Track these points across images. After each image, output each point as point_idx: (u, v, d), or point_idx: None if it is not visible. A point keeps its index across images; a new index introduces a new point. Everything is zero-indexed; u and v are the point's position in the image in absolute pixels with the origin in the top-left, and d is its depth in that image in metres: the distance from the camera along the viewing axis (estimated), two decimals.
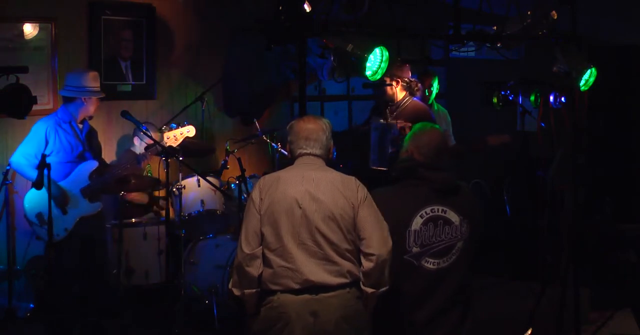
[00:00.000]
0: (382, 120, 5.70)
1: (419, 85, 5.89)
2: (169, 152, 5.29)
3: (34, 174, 5.04)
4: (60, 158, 5.13)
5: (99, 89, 5.28)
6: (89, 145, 5.29)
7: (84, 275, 5.24)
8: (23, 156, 5.11)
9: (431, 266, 3.74)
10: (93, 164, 5.23)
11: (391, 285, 3.60)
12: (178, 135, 5.45)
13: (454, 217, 3.77)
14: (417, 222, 3.72)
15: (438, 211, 3.76)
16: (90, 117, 5.33)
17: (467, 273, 3.88)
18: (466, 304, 3.88)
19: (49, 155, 5.08)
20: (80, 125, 5.26)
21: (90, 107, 5.23)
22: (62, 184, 5.12)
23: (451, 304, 3.79)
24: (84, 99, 5.16)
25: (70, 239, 5.11)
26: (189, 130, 5.48)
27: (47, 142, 5.11)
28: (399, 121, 5.53)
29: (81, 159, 5.21)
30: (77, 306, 5.22)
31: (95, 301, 5.36)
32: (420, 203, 3.74)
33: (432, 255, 3.73)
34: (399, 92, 5.69)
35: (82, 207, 5.16)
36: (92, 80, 5.20)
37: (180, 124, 5.50)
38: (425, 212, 3.74)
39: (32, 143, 5.13)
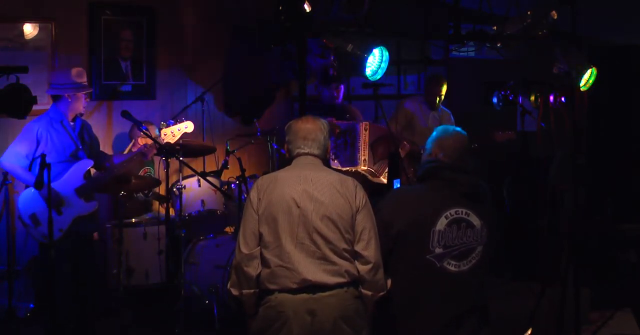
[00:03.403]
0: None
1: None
2: (167, 150, 5.27)
3: (25, 174, 5.04)
4: (52, 158, 5.07)
5: (84, 84, 5.19)
6: (82, 143, 5.26)
7: (81, 275, 5.22)
8: (14, 156, 5.09)
9: (452, 268, 3.72)
10: (88, 163, 5.19)
11: (404, 286, 3.61)
12: (176, 131, 5.36)
13: (475, 220, 3.76)
14: (442, 223, 3.70)
15: (462, 213, 3.75)
16: (81, 114, 5.27)
17: (485, 278, 3.87)
18: (484, 310, 3.87)
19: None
20: (72, 123, 5.23)
21: (77, 104, 5.16)
22: (54, 184, 5.08)
23: (470, 309, 3.77)
24: (68, 95, 5.13)
25: (66, 239, 5.09)
26: (187, 126, 5.39)
27: (38, 143, 5.07)
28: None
29: (74, 158, 5.17)
30: (75, 306, 5.20)
31: (94, 301, 5.35)
32: (445, 204, 3.73)
33: (454, 258, 3.72)
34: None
35: (77, 206, 5.13)
36: (75, 76, 5.15)
37: (178, 120, 5.46)
38: (450, 214, 3.73)
39: (23, 144, 5.09)
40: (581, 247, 5.63)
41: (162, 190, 6.39)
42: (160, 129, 5.38)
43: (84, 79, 5.20)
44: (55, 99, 5.19)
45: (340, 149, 5.75)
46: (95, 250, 5.59)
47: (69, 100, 5.13)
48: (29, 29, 6.11)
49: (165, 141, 5.34)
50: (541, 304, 5.29)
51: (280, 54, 7.00)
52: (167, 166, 5.29)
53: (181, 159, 5.51)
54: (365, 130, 5.71)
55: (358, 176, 5.70)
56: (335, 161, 5.69)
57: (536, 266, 6.41)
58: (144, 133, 5.33)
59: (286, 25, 4.35)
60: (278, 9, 4.36)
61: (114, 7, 6.58)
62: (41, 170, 4.71)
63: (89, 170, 5.21)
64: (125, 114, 5.25)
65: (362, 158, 5.73)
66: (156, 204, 6.58)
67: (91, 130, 5.43)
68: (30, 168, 5.09)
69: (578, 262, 5.44)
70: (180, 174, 6.04)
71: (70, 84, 5.12)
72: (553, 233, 6.47)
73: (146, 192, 6.36)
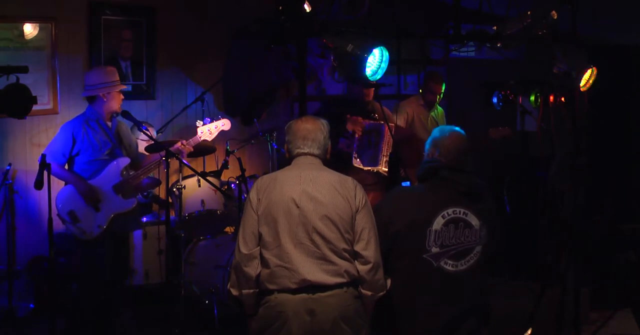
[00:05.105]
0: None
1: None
2: (167, 150, 5.27)
3: (62, 172, 5.11)
4: (89, 156, 5.16)
5: (116, 83, 5.24)
6: (119, 142, 5.30)
7: (111, 273, 5.23)
8: (51, 155, 5.13)
9: (450, 268, 3.73)
10: (125, 161, 5.24)
11: (402, 286, 3.61)
12: (212, 129, 5.47)
13: (474, 220, 3.76)
14: (438, 222, 3.71)
15: (459, 213, 3.75)
16: (117, 114, 5.31)
17: (484, 278, 3.87)
18: (484, 310, 3.87)
19: (78, 155, 5.14)
20: (109, 123, 5.27)
21: (113, 102, 5.22)
22: (92, 181, 5.13)
23: (469, 309, 3.77)
24: (103, 95, 5.18)
25: (105, 236, 5.12)
26: (224, 124, 5.51)
27: (74, 141, 5.12)
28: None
29: (112, 156, 5.22)
30: (96, 302, 5.21)
31: (118, 301, 5.38)
32: (442, 203, 3.74)
33: (451, 257, 3.72)
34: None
35: (115, 203, 5.17)
36: (107, 76, 5.20)
37: (214, 118, 5.50)
38: (447, 213, 3.73)
39: (59, 142, 5.16)
40: (581, 247, 5.63)
41: (162, 190, 6.40)
42: (196, 128, 5.42)
43: (115, 77, 5.26)
44: (91, 100, 5.24)
45: (364, 148, 5.75)
46: (128, 250, 5.62)
47: (104, 99, 5.19)
48: (29, 29, 6.11)
49: (202, 139, 5.42)
50: (541, 304, 5.29)
51: (280, 54, 7.00)
52: (167, 166, 5.29)
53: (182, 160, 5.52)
54: (391, 132, 5.70)
55: (379, 177, 5.71)
56: (358, 160, 5.70)
57: (536, 266, 6.41)
58: (144, 133, 5.34)
59: (286, 25, 4.35)
60: (278, 9, 4.36)
61: (114, 7, 6.58)
62: (41, 170, 4.72)
63: (126, 168, 5.24)
64: (126, 114, 5.27)
65: (384, 159, 5.72)
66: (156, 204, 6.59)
67: (128, 131, 5.48)
68: (68, 166, 5.20)
69: (578, 262, 5.44)
70: (180, 174, 6.04)
71: (102, 84, 5.17)
72: (553, 233, 6.47)
73: (145, 193, 6.36)
